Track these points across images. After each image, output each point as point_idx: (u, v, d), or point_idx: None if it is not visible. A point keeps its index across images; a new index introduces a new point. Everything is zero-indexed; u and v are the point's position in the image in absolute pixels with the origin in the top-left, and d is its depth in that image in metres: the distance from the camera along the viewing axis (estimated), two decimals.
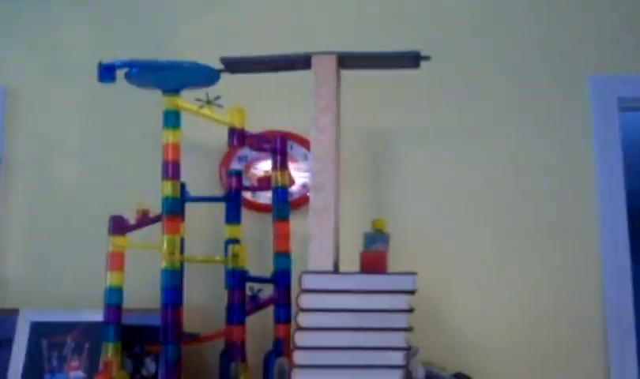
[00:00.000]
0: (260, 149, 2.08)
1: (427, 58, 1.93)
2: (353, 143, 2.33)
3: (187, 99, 1.95)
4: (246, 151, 2.33)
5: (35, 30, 2.52)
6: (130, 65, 1.92)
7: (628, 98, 2.32)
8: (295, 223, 2.13)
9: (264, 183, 2.15)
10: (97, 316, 2.06)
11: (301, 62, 1.93)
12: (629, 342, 2.17)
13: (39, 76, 2.49)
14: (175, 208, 1.91)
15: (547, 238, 2.26)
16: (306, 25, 2.44)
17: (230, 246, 1.98)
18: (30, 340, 2.11)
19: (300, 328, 1.65)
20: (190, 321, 2.12)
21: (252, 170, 2.33)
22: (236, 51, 2.02)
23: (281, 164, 2.05)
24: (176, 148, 1.92)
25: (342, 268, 1.89)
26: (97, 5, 2.52)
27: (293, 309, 1.79)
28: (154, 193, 2.06)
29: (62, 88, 2.48)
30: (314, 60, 1.89)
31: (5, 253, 2.39)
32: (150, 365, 2.08)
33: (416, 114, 2.36)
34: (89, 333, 2.10)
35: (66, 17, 2.52)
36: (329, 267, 1.76)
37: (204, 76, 1.95)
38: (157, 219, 1.99)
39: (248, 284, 1.99)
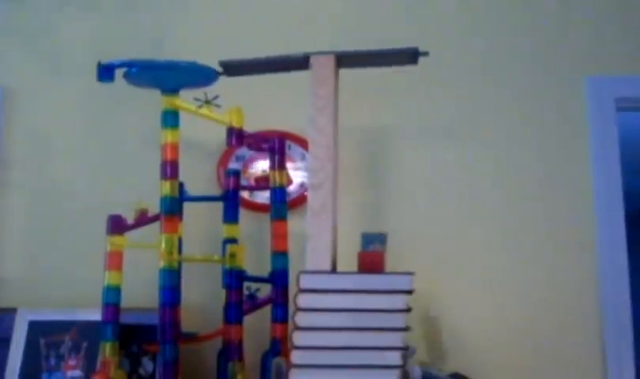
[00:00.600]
0: (258, 149, 2.08)
1: (425, 53, 1.93)
2: (351, 142, 2.34)
3: (186, 99, 1.95)
4: (243, 151, 2.33)
5: (33, 29, 2.52)
6: (129, 64, 1.92)
7: (625, 98, 2.33)
8: (293, 222, 2.14)
9: (262, 183, 2.15)
10: (95, 315, 2.05)
11: (299, 63, 1.93)
12: (625, 342, 2.17)
13: (37, 76, 2.49)
14: (173, 207, 1.91)
15: (544, 238, 2.26)
16: (304, 23, 2.44)
17: (227, 246, 1.98)
18: (28, 339, 2.11)
19: (298, 328, 1.65)
20: (188, 321, 2.12)
21: (249, 170, 2.33)
22: (234, 51, 2.03)
23: (279, 164, 2.05)
24: (174, 147, 1.93)
25: (340, 268, 1.89)
26: (96, 5, 2.52)
27: (291, 308, 1.79)
28: (152, 193, 2.06)
29: (60, 88, 2.48)
30: (313, 60, 1.90)
31: (2, 252, 2.39)
32: (148, 365, 2.09)
33: (414, 113, 2.36)
34: (87, 332, 2.10)
35: (65, 17, 2.52)
36: (327, 267, 1.76)
37: (202, 76, 1.96)
38: (155, 218, 1.99)
39: (245, 284, 1.99)
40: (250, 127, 2.04)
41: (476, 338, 2.22)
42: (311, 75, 1.89)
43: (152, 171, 2.15)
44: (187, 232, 2.16)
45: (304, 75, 1.92)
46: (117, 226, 2.00)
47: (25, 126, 2.46)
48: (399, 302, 1.67)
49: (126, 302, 2.01)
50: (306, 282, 1.68)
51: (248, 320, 1.99)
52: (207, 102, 1.94)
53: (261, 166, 2.31)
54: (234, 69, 2.01)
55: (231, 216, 2.10)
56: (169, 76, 1.93)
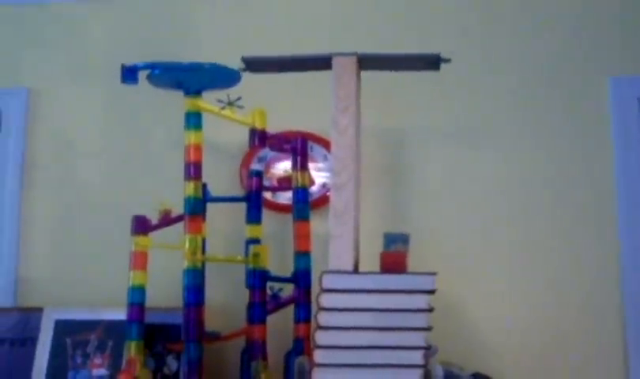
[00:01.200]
0: (280, 150, 2.09)
1: (447, 60, 1.93)
2: (373, 143, 2.34)
3: (208, 101, 1.96)
4: (265, 152, 2.34)
5: (58, 32, 2.54)
6: (152, 66, 1.94)
7: None
8: (315, 223, 2.14)
9: (284, 183, 2.16)
10: (120, 314, 2.07)
11: (321, 63, 1.93)
12: None
13: (62, 78, 2.52)
14: (196, 208, 1.93)
15: (567, 239, 2.25)
16: (326, 25, 2.44)
17: (251, 246, 1.99)
18: (54, 338, 2.14)
19: (320, 328, 1.66)
20: (211, 320, 2.13)
21: (272, 171, 2.34)
22: (256, 52, 2.03)
23: (301, 165, 2.06)
24: (198, 148, 1.94)
25: (362, 268, 1.90)
26: (120, 8, 2.54)
27: (313, 308, 1.81)
28: (176, 194, 2.08)
29: (85, 90, 2.50)
30: (335, 61, 1.90)
31: (29, 253, 2.42)
32: (172, 364, 2.10)
33: (437, 113, 2.36)
34: (112, 331, 2.12)
35: (89, 19, 2.54)
36: (349, 267, 1.77)
37: (225, 77, 1.97)
38: (179, 219, 2.01)
39: (269, 284, 2.01)
40: (272, 128, 2.05)
41: (499, 338, 2.21)
42: (333, 76, 1.89)
43: (176, 172, 2.17)
44: (211, 232, 2.17)
45: (326, 76, 1.93)
46: (141, 226, 2.02)
47: (50, 128, 2.49)
48: (421, 301, 1.67)
49: (150, 301, 2.03)
50: (329, 282, 1.69)
51: (271, 319, 2.00)
52: (230, 103, 1.95)
53: (284, 166, 2.32)
54: (256, 65, 2.01)
55: (253, 217, 2.11)
56: (192, 78, 1.94)
